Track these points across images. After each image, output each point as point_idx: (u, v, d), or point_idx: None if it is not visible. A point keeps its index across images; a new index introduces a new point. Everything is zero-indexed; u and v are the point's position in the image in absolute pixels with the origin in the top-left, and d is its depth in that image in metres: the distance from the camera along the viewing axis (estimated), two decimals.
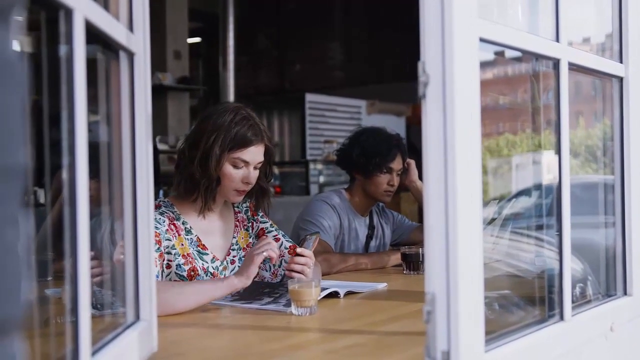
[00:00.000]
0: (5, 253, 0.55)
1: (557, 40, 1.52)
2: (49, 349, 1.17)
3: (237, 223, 2.36)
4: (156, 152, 5.01)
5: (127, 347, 1.26)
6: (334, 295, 2.09)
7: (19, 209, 0.58)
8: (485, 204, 1.62)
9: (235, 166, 2.17)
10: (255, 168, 2.20)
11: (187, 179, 2.18)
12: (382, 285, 2.34)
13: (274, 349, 1.54)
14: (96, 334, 1.12)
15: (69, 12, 1.00)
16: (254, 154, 2.18)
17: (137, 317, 1.38)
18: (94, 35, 1.12)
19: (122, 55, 1.34)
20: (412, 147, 5.81)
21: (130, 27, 1.35)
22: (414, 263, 2.63)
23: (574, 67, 1.58)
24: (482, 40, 1.25)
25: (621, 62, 1.81)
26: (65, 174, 1.01)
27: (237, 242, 2.33)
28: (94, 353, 1.09)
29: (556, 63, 1.52)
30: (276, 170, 7.78)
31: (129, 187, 1.37)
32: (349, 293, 2.17)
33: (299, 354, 1.51)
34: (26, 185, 0.60)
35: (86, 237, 1.02)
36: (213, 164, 2.13)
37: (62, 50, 1.02)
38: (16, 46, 0.59)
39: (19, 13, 0.61)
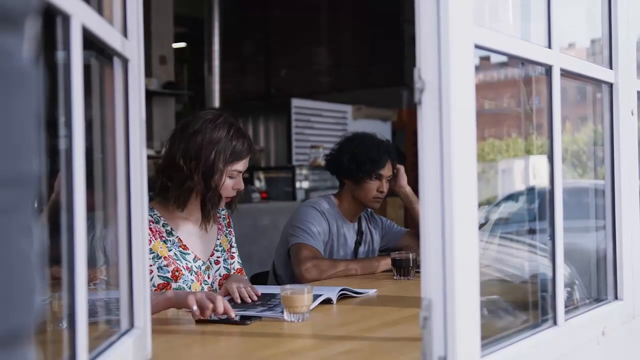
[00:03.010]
0: (20, 262, 0.55)
1: (549, 46, 1.53)
2: (42, 357, 1.16)
3: (220, 226, 2.44)
4: None
5: (122, 354, 1.26)
6: (326, 301, 2.09)
7: (32, 217, 0.57)
8: None
9: (231, 177, 2.28)
10: (242, 175, 2.33)
11: (187, 192, 2.24)
12: (372, 292, 2.35)
13: (268, 355, 1.54)
14: (90, 342, 1.11)
15: (66, 18, 0.99)
16: (246, 163, 2.32)
17: (132, 324, 1.37)
18: (89, 41, 1.12)
19: (117, 62, 1.33)
20: (398, 152, 5.82)
21: (125, 33, 1.35)
22: (404, 268, 2.63)
23: (565, 73, 1.59)
24: (477, 46, 1.25)
25: (611, 68, 1.83)
26: (62, 180, 1.00)
27: (220, 243, 2.41)
28: None
29: (548, 69, 1.53)
30: (262, 176, 7.77)
31: (122, 194, 1.36)
32: (342, 296, 2.17)
33: None
34: (36, 194, 0.60)
35: (83, 244, 1.02)
36: (217, 179, 2.23)
37: (59, 55, 1.01)
38: (30, 54, 0.58)
39: (32, 21, 0.60)
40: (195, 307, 1.78)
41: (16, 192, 0.55)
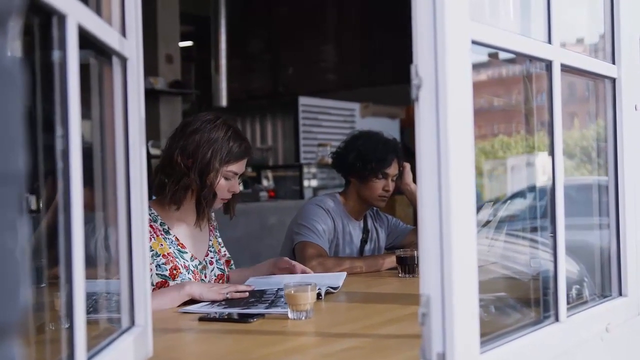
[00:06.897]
0: (5, 258, 0.56)
1: (550, 41, 1.52)
2: (43, 355, 1.17)
3: (211, 229, 2.49)
4: (149, 157, 5.02)
5: (123, 352, 1.26)
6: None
7: (18, 214, 0.58)
8: (480, 206, 1.61)
9: (226, 178, 2.30)
10: (239, 178, 2.36)
11: (183, 189, 2.26)
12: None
13: (270, 353, 1.54)
14: (90, 340, 1.12)
15: (62, 18, 0.99)
16: (243, 165, 2.35)
17: (132, 322, 1.37)
18: (87, 40, 1.12)
19: (115, 61, 1.34)
20: (407, 150, 5.82)
21: (123, 33, 1.35)
22: (409, 266, 2.63)
23: (566, 69, 1.58)
24: (474, 42, 1.25)
25: (614, 63, 1.82)
26: (59, 180, 1.01)
27: (212, 245, 2.45)
28: (89, 358, 1.09)
29: (549, 65, 1.52)
30: (270, 174, 7.77)
31: (122, 193, 1.36)
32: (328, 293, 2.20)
33: (296, 358, 1.51)
34: (23, 192, 0.60)
35: (80, 243, 1.02)
36: (212, 177, 2.25)
37: (55, 55, 1.02)
38: (14, 52, 0.59)
39: (17, 19, 0.61)
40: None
41: (2, 189, 0.56)
